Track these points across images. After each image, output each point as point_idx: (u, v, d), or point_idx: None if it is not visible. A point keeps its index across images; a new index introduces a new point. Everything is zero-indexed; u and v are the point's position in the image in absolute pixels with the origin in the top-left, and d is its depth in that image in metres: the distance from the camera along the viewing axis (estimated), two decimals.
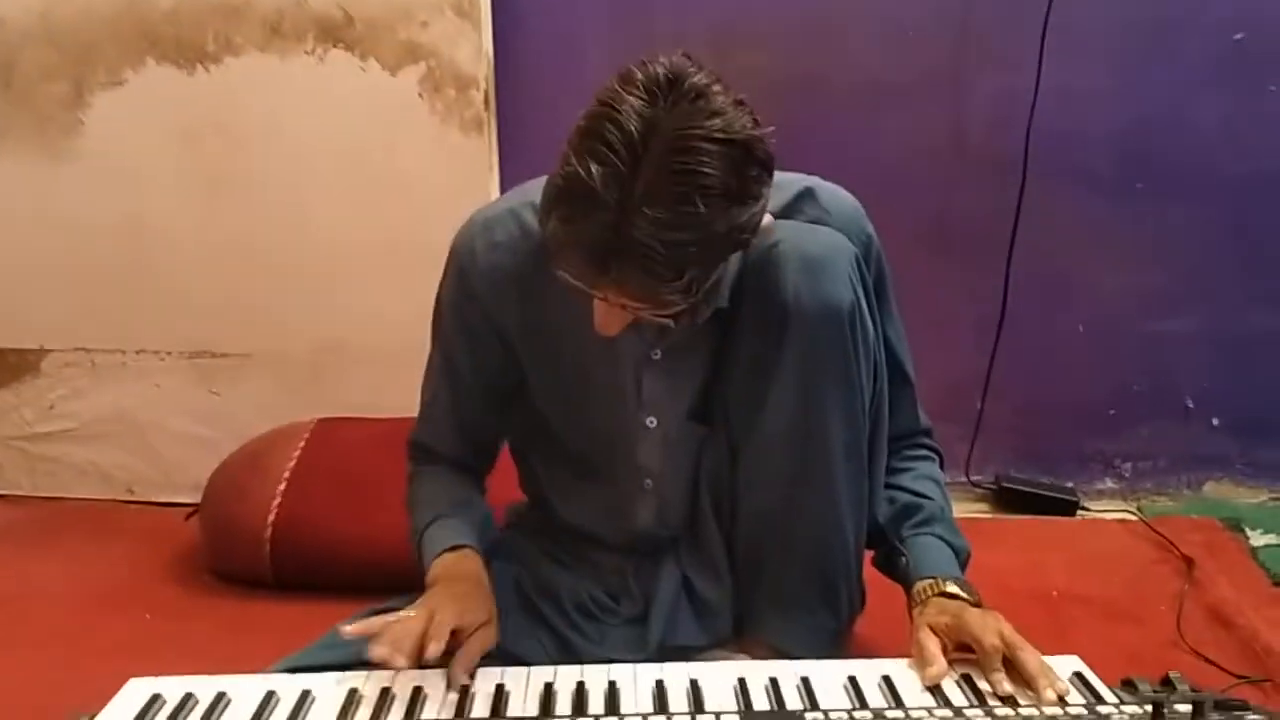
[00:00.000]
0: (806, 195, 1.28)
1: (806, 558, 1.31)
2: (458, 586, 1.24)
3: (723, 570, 1.36)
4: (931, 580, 1.29)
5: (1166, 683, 1.12)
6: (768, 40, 2.26)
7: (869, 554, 1.41)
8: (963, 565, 1.34)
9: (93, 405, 2.45)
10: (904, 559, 1.32)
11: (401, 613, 1.16)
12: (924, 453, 1.43)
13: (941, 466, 1.45)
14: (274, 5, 2.22)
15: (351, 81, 2.23)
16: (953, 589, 1.27)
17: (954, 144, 2.33)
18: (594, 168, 0.98)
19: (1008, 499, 2.41)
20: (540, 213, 1.07)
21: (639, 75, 1.01)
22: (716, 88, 1.01)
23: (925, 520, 1.35)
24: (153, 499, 2.44)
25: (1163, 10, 2.27)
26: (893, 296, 1.36)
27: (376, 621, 1.15)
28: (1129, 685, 1.14)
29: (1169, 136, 2.31)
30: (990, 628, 1.17)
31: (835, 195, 1.30)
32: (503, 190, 2.25)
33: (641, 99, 0.99)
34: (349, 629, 1.14)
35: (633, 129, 0.98)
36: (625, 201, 0.97)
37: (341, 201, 2.29)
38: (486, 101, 2.24)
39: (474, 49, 2.21)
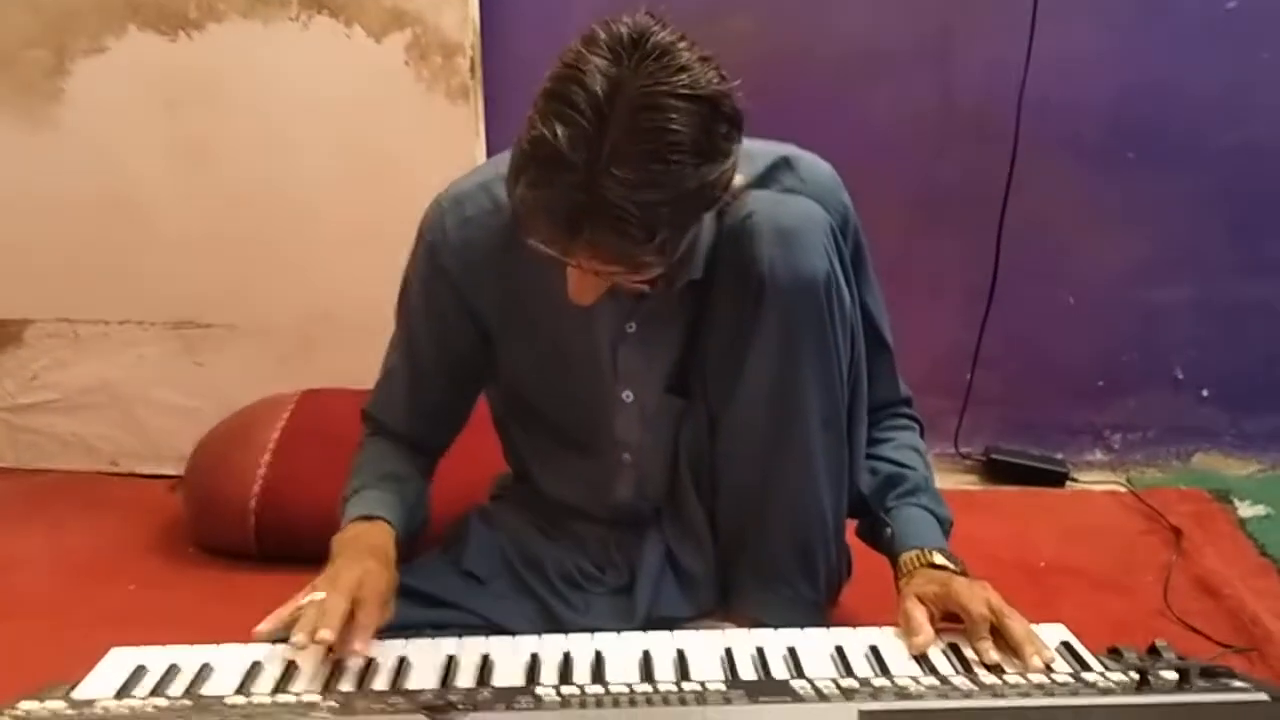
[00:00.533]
0: (782, 165, 1.27)
1: (785, 529, 1.31)
2: (356, 554, 1.22)
3: (705, 542, 1.35)
4: (918, 551, 1.28)
5: (1153, 651, 1.11)
6: (756, 7, 2.24)
7: (852, 524, 1.40)
8: (946, 534, 1.34)
9: (76, 376, 2.43)
10: (889, 530, 1.32)
11: (302, 598, 1.14)
12: (904, 422, 1.43)
13: (922, 435, 1.45)
14: None
15: (336, 48, 2.21)
16: (939, 560, 1.27)
17: (944, 112, 2.31)
18: (560, 130, 0.96)
19: (997, 470, 2.41)
20: (508, 180, 1.05)
21: (602, 35, 0.99)
22: (682, 44, 1.00)
23: (909, 491, 1.35)
24: (136, 470, 2.43)
25: None
26: (870, 265, 1.35)
27: (284, 613, 1.13)
28: (1115, 654, 1.13)
29: (1161, 105, 2.29)
30: (978, 596, 1.17)
31: (812, 165, 1.29)
32: (489, 156, 2.23)
33: (605, 58, 0.98)
34: (263, 628, 1.12)
35: (597, 89, 0.96)
36: (593, 163, 0.96)
37: (326, 169, 2.26)
38: (473, 69, 2.21)
39: (460, 16, 2.18)
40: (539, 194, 1.00)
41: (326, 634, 1.06)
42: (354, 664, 1.11)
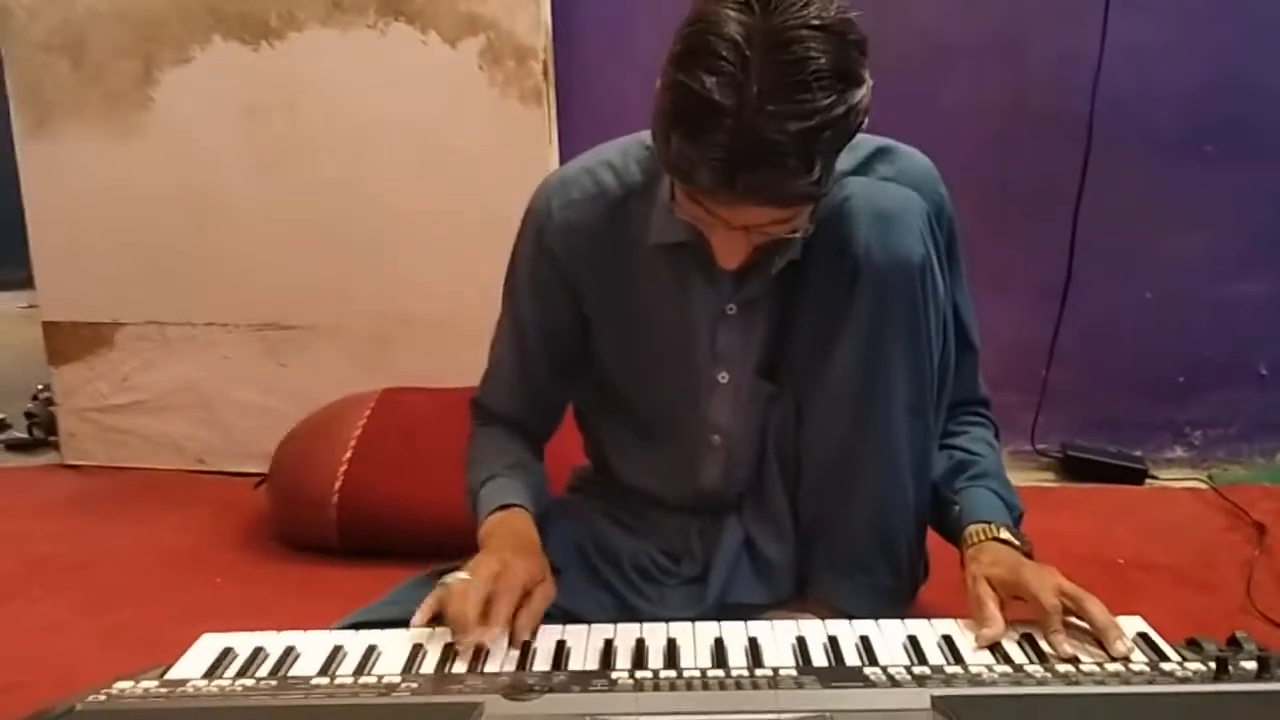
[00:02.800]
0: (881, 153, 1.27)
1: (867, 515, 1.31)
2: (511, 544, 1.25)
3: (786, 529, 1.35)
4: (985, 524, 1.27)
5: (1233, 642, 1.10)
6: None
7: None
8: (1016, 523, 1.32)
9: (164, 377, 2.51)
10: (956, 508, 1.31)
11: (456, 577, 1.17)
12: (979, 419, 1.42)
13: (997, 437, 1.44)
14: None
15: (412, 54, 2.26)
16: (1006, 535, 1.25)
17: (1017, 106, 2.30)
18: (706, 79, 0.98)
19: (1074, 468, 2.39)
20: (657, 142, 1.07)
21: None
22: None
23: (979, 474, 1.34)
24: (222, 468, 2.50)
25: None
26: (963, 262, 1.35)
27: (431, 603, 1.16)
28: (1194, 645, 1.12)
29: (1239, 97, 2.25)
30: (1048, 584, 1.15)
31: (911, 156, 1.29)
32: (562, 159, 2.26)
33: (734, 8, 1.00)
34: (417, 620, 1.15)
35: (735, 35, 0.99)
36: (745, 103, 0.98)
37: (403, 173, 2.32)
38: (545, 72, 2.25)
39: (533, 20, 2.22)
40: (696, 145, 1.01)
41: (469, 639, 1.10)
42: (434, 650, 1.14)
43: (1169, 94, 2.27)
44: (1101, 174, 2.26)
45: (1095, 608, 1.12)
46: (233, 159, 2.37)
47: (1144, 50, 2.23)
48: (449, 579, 1.16)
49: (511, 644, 1.14)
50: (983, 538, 1.26)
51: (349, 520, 2.01)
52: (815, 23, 0.99)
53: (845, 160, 1.22)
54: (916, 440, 1.29)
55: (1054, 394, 2.40)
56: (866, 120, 1.08)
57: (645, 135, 1.26)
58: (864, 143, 1.27)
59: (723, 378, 1.32)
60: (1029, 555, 1.25)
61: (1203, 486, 2.29)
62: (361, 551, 1.98)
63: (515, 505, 1.32)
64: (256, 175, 2.37)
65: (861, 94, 1.03)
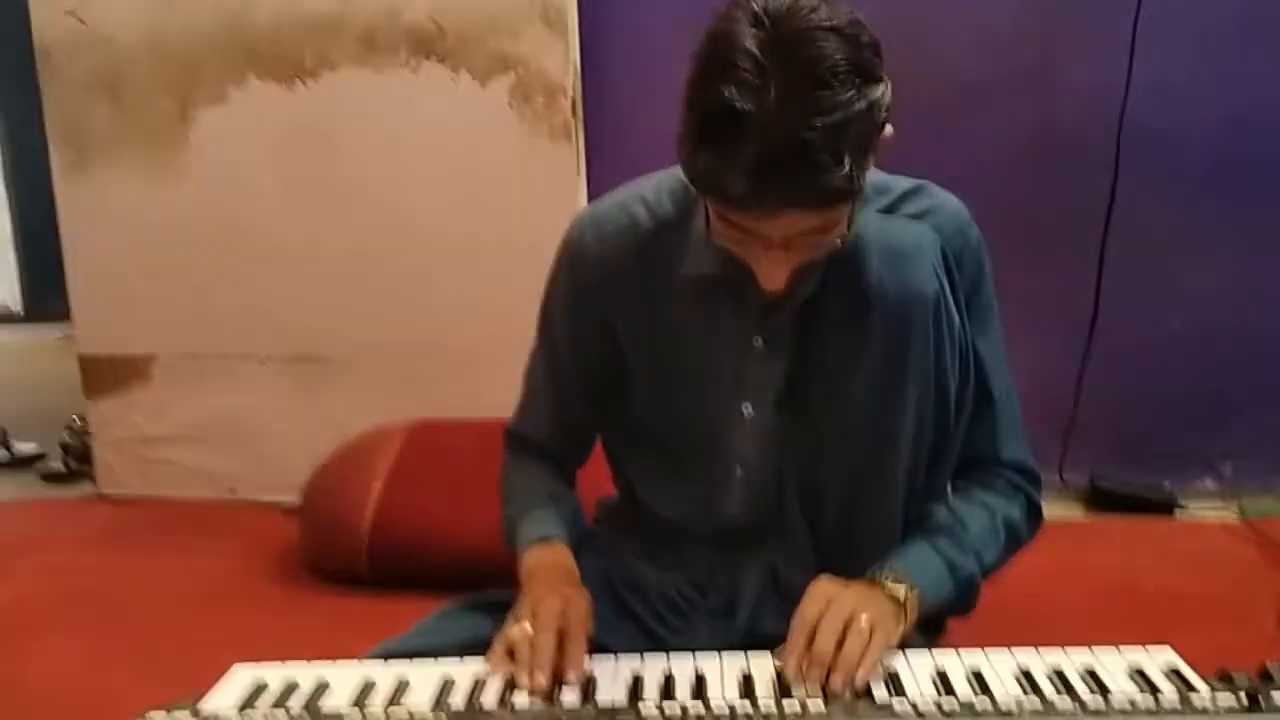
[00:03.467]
0: (912, 193, 1.28)
1: (886, 546, 1.31)
2: (551, 582, 1.26)
3: (809, 559, 1.35)
4: (878, 570, 1.23)
5: (1265, 675, 1.09)
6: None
7: (992, 591, 1.36)
8: (959, 586, 1.27)
9: (199, 408, 2.54)
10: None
11: (522, 627, 1.18)
12: (1000, 485, 1.35)
13: (1032, 515, 1.36)
14: (369, 21, 2.29)
15: (444, 92, 2.30)
16: (891, 585, 1.20)
17: (1044, 139, 2.31)
18: (726, 90, 1.00)
19: (1102, 500, 2.38)
20: (686, 167, 1.07)
21: (737, 12, 1.04)
22: None
23: (931, 530, 1.28)
24: (255, 498, 2.53)
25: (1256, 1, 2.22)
26: (993, 310, 1.32)
27: (500, 650, 1.16)
28: (1225, 678, 1.11)
29: (1264, 130, 2.26)
30: (811, 604, 1.15)
31: (941, 196, 1.30)
32: (590, 194, 2.29)
33: (746, 24, 1.02)
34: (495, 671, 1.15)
35: (749, 46, 1.00)
36: (766, 106, 0.99)
37: (435, 208, 2.35)
38: (574, 109, 2.28)
39: (561, 58, 2.25)
40: (724, 155, 1.01)
41: (543, 679, 1.11)
42: (463, 682, 1.15)
43: (1195, 126, 2.28)
44: (1129, 206, 2.27)
45: (820, 640, 1.10)
46: (267, 195, 2.42)
47: (1170, 83, 2.24)
48: (513, 630, 1.17)
49: (567, 685, 1.15)
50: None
51: (380, 550, 2.03)
52: (826, 25, 1.01)
53: (878, 200, 1.24)
54: (940, 475, 1.29)
55: (1082, 426, 2.40)
56: (890, 126, 1.09)
57: (679, 169, 1.28)
58: (897, 184, 1.28)
59: (746, 410, 1.33)
60: (903, 607, 1.20)
61: (1233, 519, 2.28)
62: (393, 582, 2.00)
63: (555, 537, 1.33)
64: (290, 211, 2.41)
65: (881, 91, 1.04)
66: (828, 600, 1.15)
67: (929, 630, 1.40)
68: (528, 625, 1.16)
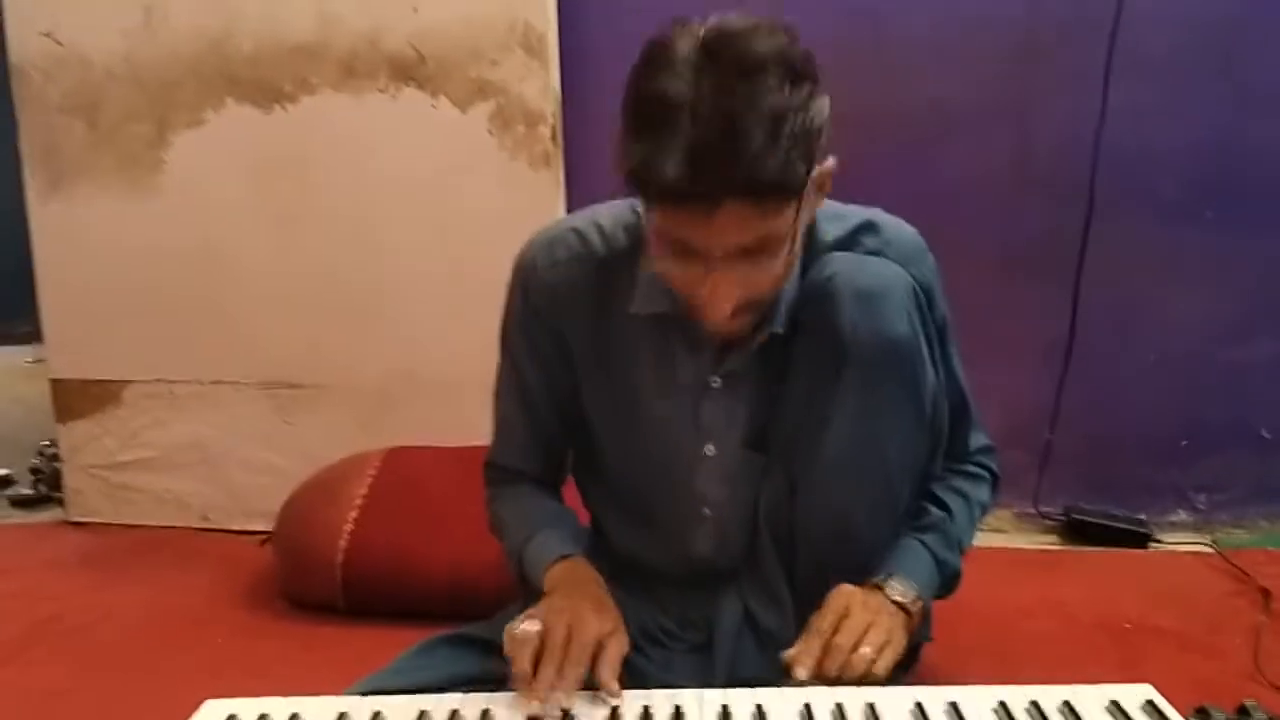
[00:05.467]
0: (867, 227, 1.29)
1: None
2: (580, 593, 1.25)
3: (783, 599, 1.35)
4: (879, 574, 1.28)
5: (1242, 711, 1.10)
6: (830, 69, 2.27)
7: (969, 620, 1.39)
8: (945, 580, 1.33)
9: (172, 435, 2.52)
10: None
11: (526, 631, 1.16)
12: (971, 469, 1.41)
13: (995, 487, 1.43)
14: (348, 46, 2.29)
15: (423, 118, 2.29)
16: (894, 588, 1.26)
17: (1019, 169, 2.32)
18: (658, 83, 1.02)
19: (1077, 531, 2.38)
20: (620, 157, 1.07)
21: (675, 24, 1.06)
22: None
23: (924, 526, 1.33)
24: (228, 526, 2.50)
25: (1229, 31, 2.24)
26: (947, 319, 1.35)
27: (524, 668, 1.14)
28: (1203, 713, 1.12)
29: (1238, 159, 2.28)
30: (829, 612, 1.19)
31: (898, 228, 1.31)
32: None
33: (681, 33, 1.04)
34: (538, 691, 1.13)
35: (682, 47, 1.03)
36: (701, 94, 1.00)
37: (413, 234, 2.34)
38: (554, 137, 2.28)
39: (542, 86, 2.25)
40: (658, 143, 1.01)
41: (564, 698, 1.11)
42: (440, 717, 1.14)
43: (1169, 157, 2.29)
44: (1103, 237, 2.29)
45: (840, 638, 1.17)
46: (243, 220, 2.40)
47: (1144, 112, 2.25)
48: (519, 630, 1.16)
49: (608, 699, 1.14)
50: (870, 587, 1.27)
51: (354, 580, 2.01)
52: (756, 29, 1.04)
53: (832, 230, 1.25)
54: (909, 514, 1.30)
55: (1057, 457, 2.41)
56: (831, 158, 1.10)
57: (635, 200, 1.28)
58: (851, 214, 1.29)
59: (709, 450, 1.33)
60: (909, 614, 1.26)
61: (1207, 550, 2.29)
62: (367, 611, 1.99)
63: (572, 554, 1.32)
64: (266, 236, 2.40)
65: (813, 92, 1.05)
66: (845, 608, 1.19)
67: (908, 662, 1.40)
68: (535, 624, 1.15)
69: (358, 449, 2.25)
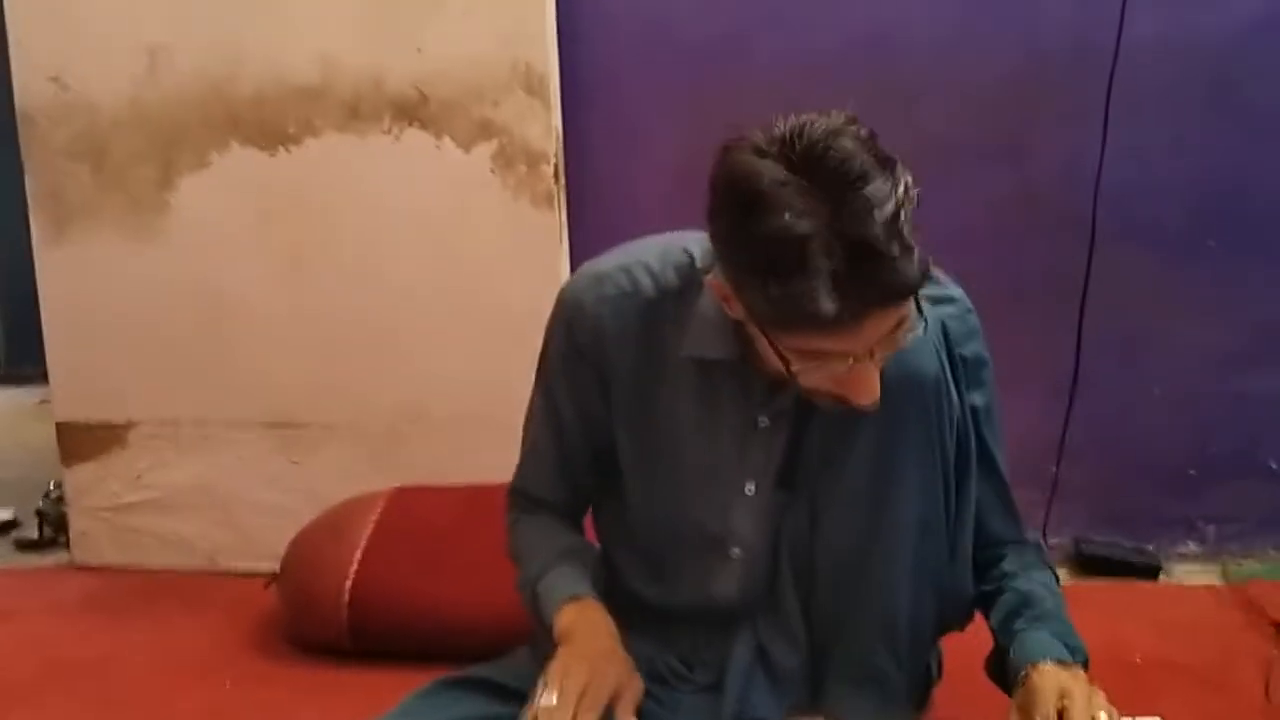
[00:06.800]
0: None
1: (875, 629, 1.30)
2: (593, 643, 1.25)
3: (799, 637, 1.34)
4: (1038, 662, 1.23)
5: None
6: (830, 105, 2.28)
7: (980, 660, 1.37)
8: (1082, 666, 1.27)
9: (177, 476, 2.52)
10: (1010, 653, 1.27)
11: (546, 695, 1.16)
12: (1034, 560, 1.39)
13: (1057, 582, 1.40)
14: (352, 88, 2.31)
15: (426, 158, 2.31)
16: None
17: (1021, 204, 2.33)
18: (776, 221, 0.99)
19: (1086, 563, 2.37)
20: (753, 302, 1.06)
21: (740, 151, 1.04)
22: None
23: (1037, 616, 1.30)
24: (234, 568, 2.49)
25: (1229, 64, 2.25)
26: (990, 385, 1.34)
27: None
28: None
29: (1241, 188, 2.29)
30: (1048, 698, 1.15)
31: (947, 282, 1.31)
32: (573, 261, 2.29)
33: (757, 153, 1.02)
34: None
35: (776, 174, 1.00)
36: (822, 221, 0.98)
37: (418, 274, 2.35)
38: (556, 176, 2.29)
39: (544, 126, 2.27)
40: (802, 281, 0.99)
41: None
42: None
43: (1171, 188, 2.30)
44: (1106, 270, 2.29)
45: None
46: (248, 261, 2.41)
47: (1145, 147, 2.27)
48: (541, 704, 1.16)
49: None
50: (1028, 673, 1.23)
51: (360, 622, 2.00)
52: (832, 129, 1.02)
53: None
54: (927, 554, 1.29)
55: (1064, 489, 2.40)
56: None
57: (685, 239, 1.28)
58: None
59: (749, 489, 1.32)
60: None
61: (1217, 582, 2.28)
62: (374, 653, 1.97)
63: (584, 594, 1.32)
64: (271, 277, 2.41)
65: (898, 167, 1.04)
66: (1063, 692, 1.16)
67: (919, 702, 1.40)
68: (554, 697, 1.15)
69: (365, 488, 2.25)
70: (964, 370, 1.28)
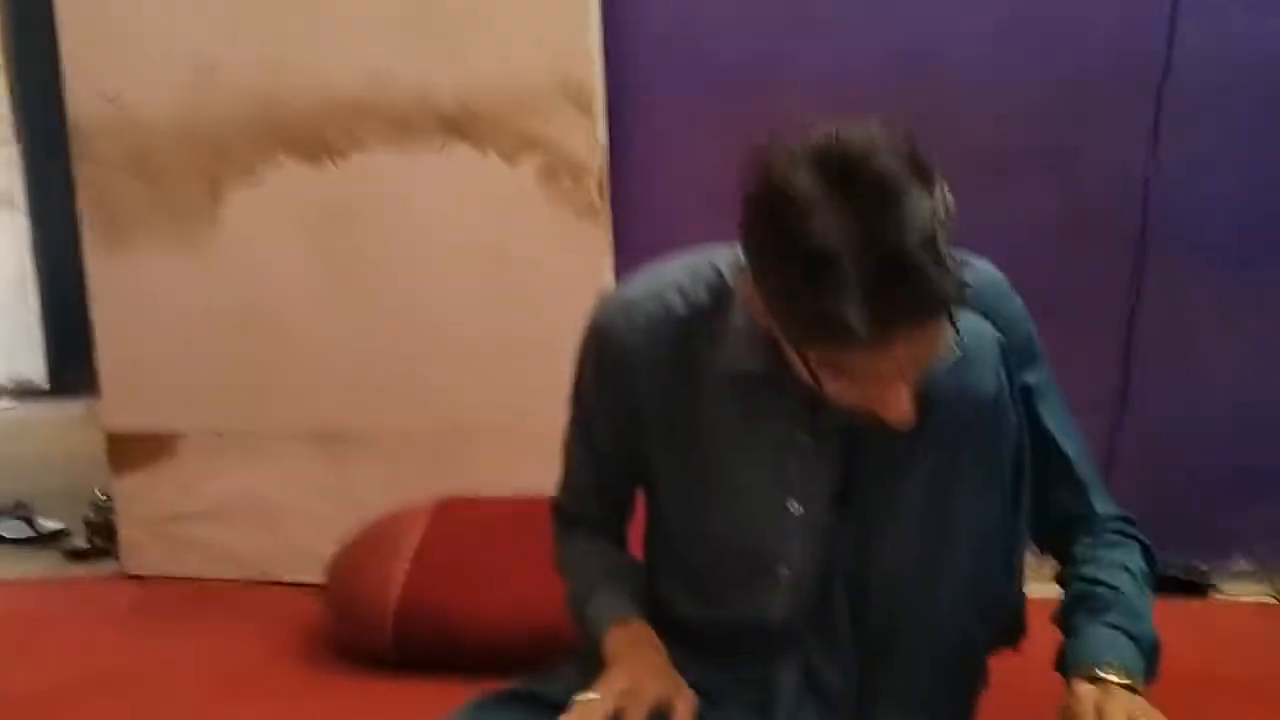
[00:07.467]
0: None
1: (928, 650, 1.29)
2: (641, 660, 1.26)
3: (849, 657, 1.33)
4: (1085, 664, 1.21)
5: None
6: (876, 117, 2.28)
7: (1027, 667, 1.36)
8: (1147, 654, 1.24)
9: (225, 487, 2.54)
10: (1066, 648, 1.26)
11: (587, 697, 1.17)
12: (1116, 539, 1.35)
13: (1150, 556, 1.36)
14: (400, 103, 2.32)
15: (472, 171, 2.32)
16: (1107, 674, 1.19)
17: (1069, 217, 2.31)
18: (809, 234, 0.98)
19: None
20: (785, 316, 1.05)
21: (776, 164, 1.03)
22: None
23: (1098, 608, 1.26)
24: (280, 578, 2.51)
25: None
26: (1046, 371, 1.33)
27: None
28: None
29: None
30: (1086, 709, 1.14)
31: (981, 271, 1.28)
32: (617, 272, 2.30)
33: (790, 164, 1.01)
34: None
35: (810, 188, 0.99)
36: (854, 238, 0.97)
37: (462, 286, 2.37)
38: (600, 189, 2.30)
39: (588, 139, 2.28)
40: (832, 297, 0.98)
41: None
42: None
43: (1222, 200, 2.27)
44: (1157, 284, 2.27)
45: None
46: (295, 274, 2.44)
47: (1196, 161, 2.24)
48: (580, 698, 1.18)
49: None
50: (1079, 680, 1.21)
51: (405, 632, 2.01)
52: (868, 140, 1.01)
53: None
54: (983, 576, 1.27)
55: None
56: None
57: (712, 254, 1.27)
58: None
59: (794, 507, 1.30)
60: (1134, 690, 1.19)
61: (1270, 600, 2.24)
62: (420, 664, 1.98)
63: (632, 617, 1.33)
64: (318, 290, 2.43)
65: (937, 180, 1.03)
66: (1097, 706, 1.15)
67: (964, 714, 1.38)
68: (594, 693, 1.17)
69: (409, 499, 2.25)
70: (1017, 365, 1.25)
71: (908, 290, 0.98)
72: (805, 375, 1.11)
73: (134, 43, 2.44)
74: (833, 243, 0.97)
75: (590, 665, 1.37)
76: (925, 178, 1.01)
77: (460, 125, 2.31)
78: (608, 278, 2.30)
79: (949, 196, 1.03)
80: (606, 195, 2.32)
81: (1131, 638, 1.23)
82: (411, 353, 2.40)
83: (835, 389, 1.09)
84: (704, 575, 1.38)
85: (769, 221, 1.03)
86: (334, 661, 2.09)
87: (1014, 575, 1.32)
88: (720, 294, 1.25)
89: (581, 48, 2.26)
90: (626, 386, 1.30)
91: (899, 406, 1.09)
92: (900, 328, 1.01)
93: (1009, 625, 1.35)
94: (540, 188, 2.31)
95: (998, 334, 1.22)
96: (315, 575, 2.23)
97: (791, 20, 2.34)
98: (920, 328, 1.02)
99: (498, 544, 2.08)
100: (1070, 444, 1.34)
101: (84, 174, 2.53)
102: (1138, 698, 1.17)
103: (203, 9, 2.40)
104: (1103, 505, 1.37)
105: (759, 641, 1.38)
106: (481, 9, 2.28)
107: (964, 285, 1.02)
